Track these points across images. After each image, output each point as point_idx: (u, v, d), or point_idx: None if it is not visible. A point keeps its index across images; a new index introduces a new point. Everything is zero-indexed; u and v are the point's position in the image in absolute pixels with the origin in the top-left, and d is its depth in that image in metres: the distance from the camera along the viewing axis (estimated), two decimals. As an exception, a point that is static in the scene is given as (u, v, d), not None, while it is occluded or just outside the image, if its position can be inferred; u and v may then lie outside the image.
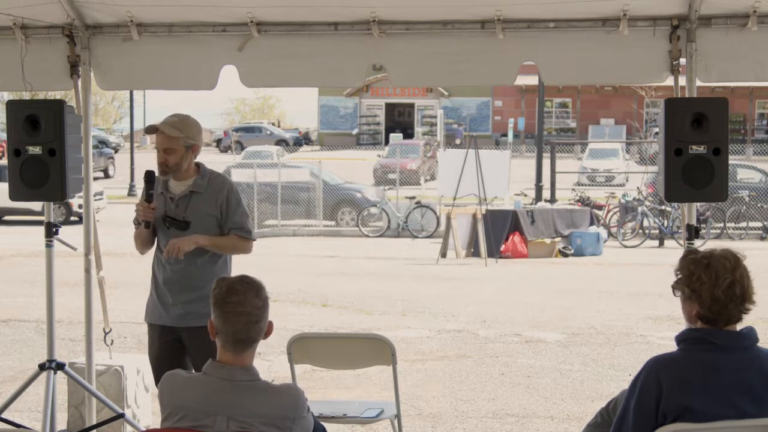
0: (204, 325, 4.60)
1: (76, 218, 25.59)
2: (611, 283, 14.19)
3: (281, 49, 5.30)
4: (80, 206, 26.05)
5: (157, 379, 4.62)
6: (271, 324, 3.24)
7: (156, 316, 4.89)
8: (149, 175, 4.79)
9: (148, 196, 4.79)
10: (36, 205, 23.93)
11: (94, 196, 26.33)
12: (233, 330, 3.15)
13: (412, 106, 53.65)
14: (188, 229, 4.77)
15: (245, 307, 3.13)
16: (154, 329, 4.90)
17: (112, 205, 27.86)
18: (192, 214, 4.79)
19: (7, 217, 25.00)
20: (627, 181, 31.89)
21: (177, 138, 4.72)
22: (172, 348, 4.80)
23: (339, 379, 7.66)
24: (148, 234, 4.87)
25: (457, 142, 44.16)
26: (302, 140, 56.69)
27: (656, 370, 3.17)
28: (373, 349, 4.68)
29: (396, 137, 45.26)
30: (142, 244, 4.92)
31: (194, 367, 4.76)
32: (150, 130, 4.82)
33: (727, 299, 3.15)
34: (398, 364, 4.62)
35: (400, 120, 53.69)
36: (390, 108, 53.80)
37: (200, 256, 4.78)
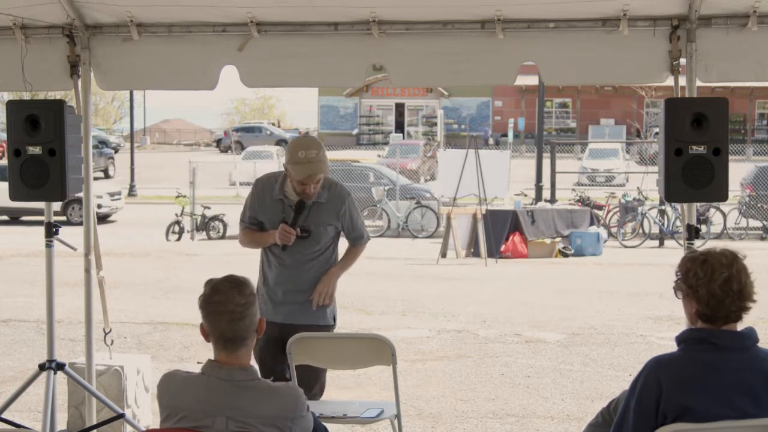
0: (310, 323, 4.95)
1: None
2: (611, 283, 14.19)
3: (281, 49, 5.30)
4: (99, 206, 26.30)
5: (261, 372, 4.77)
6: (262, 321, 3.24)
7: (265, 312, 5.03)
8: (300, 206, 4.93)
9: (294, 223, 4.94)
10: (54, 205, 23.46)
11: (112, 196, 26.50)
12: (219, 329, 3.15)
13: (402, 105, 53.78)
14: (309, 238, 4.96)
15: (227, 306, 3.14)
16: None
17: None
18: (313, 223, 4.97)
19: (24, 218, 24.93)
20: (627, 181, 31.91)
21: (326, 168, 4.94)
22: (275, 344, 4.92)
23: (339, 379, 7.65)
24: (261, 244, 5.08)
25: (491, 142, 43.94)
26: (302, 140, 56.59)
27: (656, 371, 3.17)
28: (373, 349, 4.68)
29: (396, 137, 45.31)
30: (252, 247, 5.17)
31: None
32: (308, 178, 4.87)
33: (723, 294, 3.15)
34: (398, 364, 4.61)
35: (400, 120, 53.77)
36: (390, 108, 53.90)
37: (314, 260, 5.02)
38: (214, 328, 3.16)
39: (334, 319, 5.19)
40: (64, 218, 25.02)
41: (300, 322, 4.99)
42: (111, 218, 26.53)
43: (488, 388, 7.64)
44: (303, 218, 4.96)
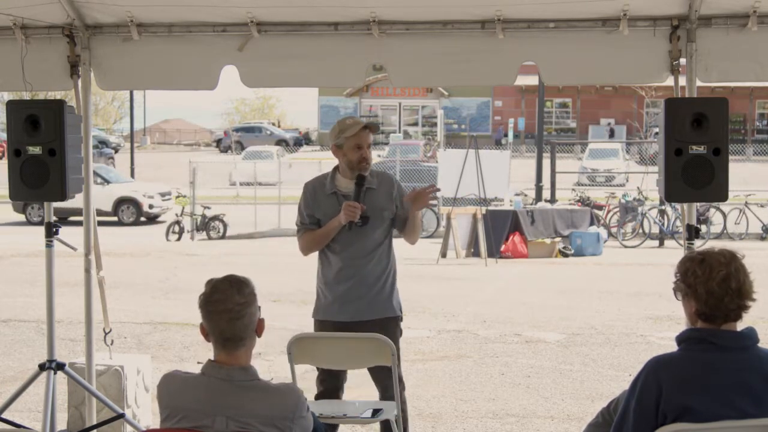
0: (380, 317, 5.04)
1: (145, 219, 25.56)
2: (611, 283, 14.19)
3: (281, 49, 5.31)
4: (151, 206, 26.28)
5: (322, 374, 4.82)
6: (262, 321, 3.24)
7: (331, 313, 5.07)
8: (361, 179, 4.96)
9: (357, 197, 4.95)
10: (101, 205, 23.42)
11: (163, 196, 26.80)
12: (218, 329, 3.16)
13: (398, 105, 53.84)
14: (367, 224, 4.96)
15: (226, 305, 3.14)
16: (325, 326, 5.08)
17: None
18: (369, 209, 4.98)
19: (72, 218, 24.79)
20: (627, 181, 31.91)
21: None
22: None
23: (339, 379, 7.64)
24: (326, 236, 5.01)
25: (503, 142, 43.75)
26: (302, 140, 56.69)
27: (656, 371, 3.17)
28: (373, 349, 4.68)
29: (397, 137, 45.34)
30: (316, 246, 5.09)
31: None
32: (361, 129, 4.93)
33: (722, 292, 3.15)
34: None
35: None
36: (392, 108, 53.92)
37: (373, 252, 5.04)
38: (214, 328, 3.17)
39: (401, 309, 5.20)
40: (115, 218, 24.98)
41: (368, 317, 5.04)
42: (160, 218, 26.45)
43: (488, 388, 7.64)
44: (363, 194, 4.95)
